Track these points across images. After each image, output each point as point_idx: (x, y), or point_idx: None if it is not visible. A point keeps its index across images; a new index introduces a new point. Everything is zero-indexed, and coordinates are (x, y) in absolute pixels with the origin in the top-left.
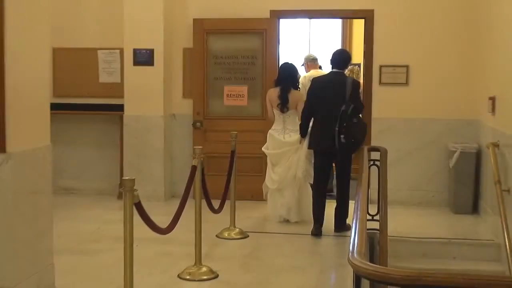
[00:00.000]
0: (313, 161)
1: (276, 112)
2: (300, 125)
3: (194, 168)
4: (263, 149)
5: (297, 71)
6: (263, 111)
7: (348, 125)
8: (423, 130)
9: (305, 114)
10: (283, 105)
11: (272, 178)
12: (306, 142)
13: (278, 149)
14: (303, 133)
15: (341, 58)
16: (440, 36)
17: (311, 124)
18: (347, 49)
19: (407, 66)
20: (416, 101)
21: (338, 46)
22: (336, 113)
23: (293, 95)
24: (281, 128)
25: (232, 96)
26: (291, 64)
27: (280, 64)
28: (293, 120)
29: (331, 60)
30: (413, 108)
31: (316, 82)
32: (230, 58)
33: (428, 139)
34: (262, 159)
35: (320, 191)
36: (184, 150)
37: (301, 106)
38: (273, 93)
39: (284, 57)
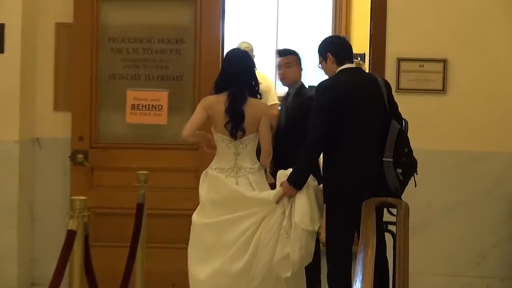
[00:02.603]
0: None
1: (222, 138)
2: (300, 166)
3: (71, 234)
4: (195, 216)
5: (254, 65)
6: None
7: (409, 152)
8: (472, 170)
9: (316, 143)
10: (237, 125)
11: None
12: (310, 190)
13: (228, 209)
14: (301, 181)
15: (350, 47)
16: (501, 11)
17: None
18: (343, 34)
19: (444, 61)
20: (460, 120)
21: (327, 26)
22: (376, 133)
23: (252, 106)
24: (231, 167)
25: (141, 107)
26: (244, 52)
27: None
28: (252, 152)
29: (336, 51)
30: (455, 133)
31: (333, 87)
32: (138, 41)
33: (480, 187)
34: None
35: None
36: (54, 201)
37: (267, 127)
38: (217, 104)
39: (233, 42)
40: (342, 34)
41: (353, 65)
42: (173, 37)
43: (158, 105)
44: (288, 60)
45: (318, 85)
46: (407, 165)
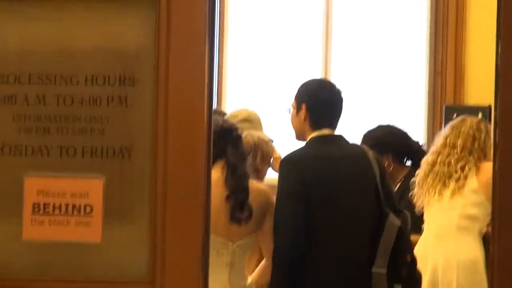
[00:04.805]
0: None
1: (212, 240)
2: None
3: None
4: None
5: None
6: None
7: (412, 261)
8: None
9: (290, 243)
10: (238, 212)
11: None
12: None
13: None
14: None
15: (339, 102)
16: None
17: None
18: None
19: None
20: None
21: (419, 48)
22: (366, 231)
23: (257, 193)
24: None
25: (51, 210)
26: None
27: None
28: (244, 263)
29: (314, 106)
30: None
31: (302, 163)
32: (46, 82)
33: None
34: None
35: None
36: None
37: (269, 230)
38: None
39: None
40: (449, 63)
41: (329, 132)
42: (115, 73)
43: (86, 205)
44: None
45: (282, 159)
46: (411, 280)
